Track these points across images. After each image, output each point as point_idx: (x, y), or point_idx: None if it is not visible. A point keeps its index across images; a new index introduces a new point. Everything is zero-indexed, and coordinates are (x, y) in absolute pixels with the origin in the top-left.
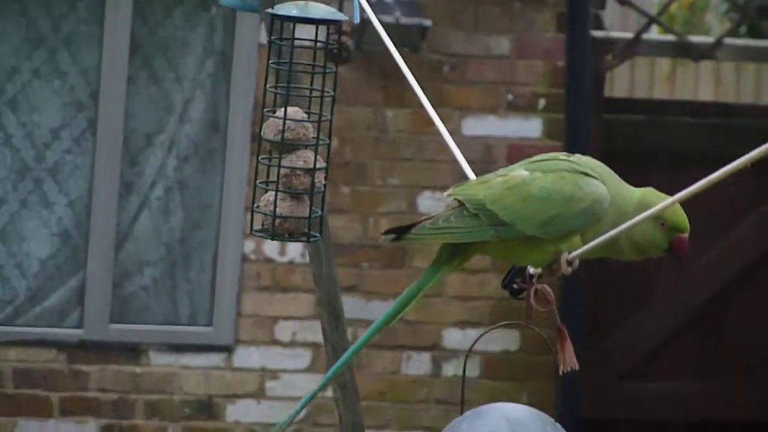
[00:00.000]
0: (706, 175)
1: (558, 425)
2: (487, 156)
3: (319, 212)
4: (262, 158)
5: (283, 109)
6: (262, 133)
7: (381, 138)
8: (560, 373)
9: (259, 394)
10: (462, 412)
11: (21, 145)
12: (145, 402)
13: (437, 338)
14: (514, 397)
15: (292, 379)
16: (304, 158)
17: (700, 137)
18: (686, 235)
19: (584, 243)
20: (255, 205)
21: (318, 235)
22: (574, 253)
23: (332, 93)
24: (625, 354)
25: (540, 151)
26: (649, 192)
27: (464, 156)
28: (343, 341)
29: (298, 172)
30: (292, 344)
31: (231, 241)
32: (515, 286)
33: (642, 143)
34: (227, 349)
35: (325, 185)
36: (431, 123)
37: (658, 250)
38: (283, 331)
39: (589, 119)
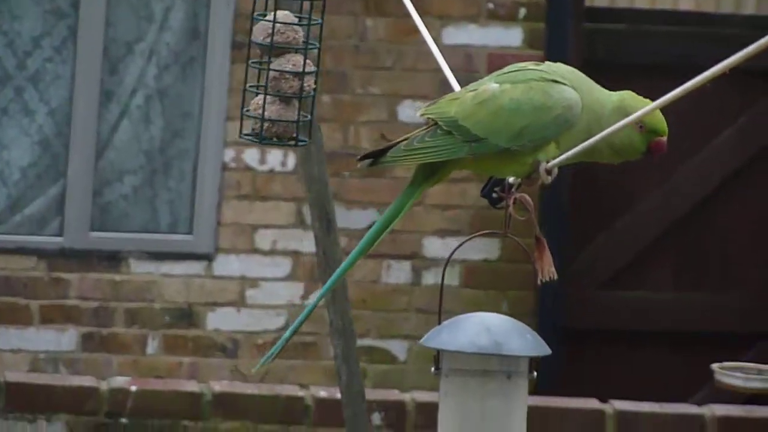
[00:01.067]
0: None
1: (537, 335)
2: (468, 65)
3: (308, 117)
4: (252, 62)
5: (272, 13)
6: (252, 37)
7: (361, 47)
8: (539, 282)
9: (239, 303)
10: (440, 321)
11: (2, 54)
12: (126, 310)
13: (417, 247)
14: (495, 306)
15: (272, 287)
16: (294, 62)
17: (681, 46)
18: (665, 138)
19: (560, 150)
20: (245, 108)
21: (306, 139)
22: (553, 162)
23: None
24: (605, 264)
25: (520, 60)
26: (627, 96)
27: (445, 64)
28: (334, 246)
29: (287, 76)
30: (272, 253)
31: (211, 150)
32: (494, 195)
33: (623, 52)
34: (207, 258)
35: (314, 89)
36: (411, 32)
37: (636, 152)
38: (263, 239)
39: (569, 28)
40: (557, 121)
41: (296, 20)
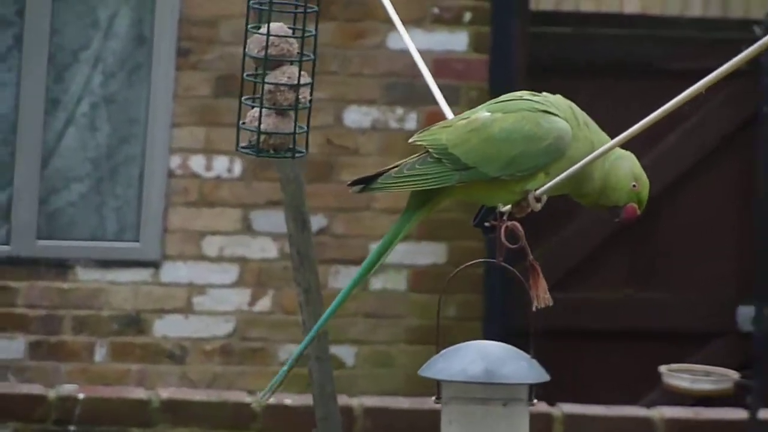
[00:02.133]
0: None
1: (534, 360)
2: (413, 70)
3: (305, 128)
4: (247, 75)
5: (266, 25)
6: (246, 50)
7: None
8: (534, 309)
9: (187, 309)
10: (437, 351)
11: None
12: (74, 318)
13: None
14: (442, 310)
15: (220, 293)
16: (289, 74)
17: (627, 49)
18: (639, 210)
19: (549, 180)
20: (241, 121)
21: (304, 151)
22: (541, 189)
23: (316, 8)
24: (554, 265)
25: (466, 65)
26: (628, 154)
27: (390, 70)
28: (309, 245)
29: (282, 89)
30: (220, 259)
31: (157, 157)
32: (486, 224)
33: (568, 55)
34: (154, 265)
35: (310, 101)
36: (357, 36)
37: (616, 201)
38: (211, 246)
39: (515, 32)
40: (547, 151)
41: (290, 32)
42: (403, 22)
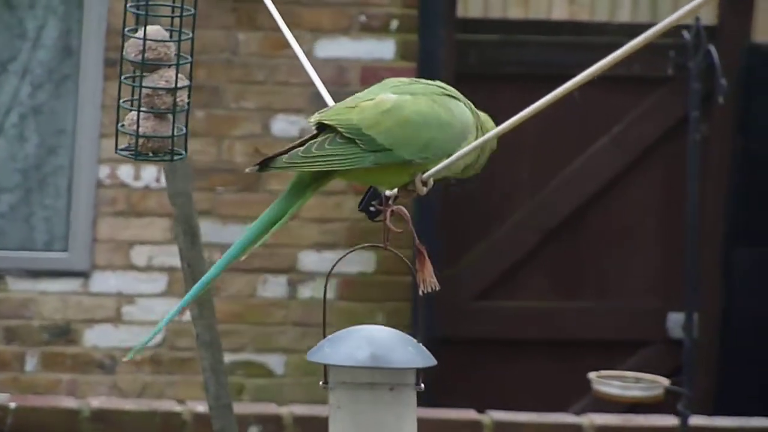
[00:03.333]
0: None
1: (420, 345)
2: (340, 78)
3: (184, 130)
4: (125, 78)
5: (143, 29)
6: (124, 53)
7: (234, 61)
8: (420, 293)
9: (116, 319)
10: (324, 335)
11: None
12: (4, 328)
13: (293, 261)
14: (371, 318)
15: (149, 303)
16: (167, 78)
17: (555, 55)
18: None
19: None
20: (120, 124)
21: (184, 153)
22: (428, 173)
23: (193, 11)
24: (480, 274)
25: (394, 73)
26: (487, 117)
27: (318, 78)
28: (199, 259)
29: (160, 92)
30: (149, 269)
31: (85, 167)
32: (372, 208)
33: (496, 63)
34: (83, 275)
35: (188, 103)
36: (283, 46)
37: (474, 172)
38: (139, 255)
39: (442, 39)
40: (457, 137)
41: (167, 35)
42: (331, 31)
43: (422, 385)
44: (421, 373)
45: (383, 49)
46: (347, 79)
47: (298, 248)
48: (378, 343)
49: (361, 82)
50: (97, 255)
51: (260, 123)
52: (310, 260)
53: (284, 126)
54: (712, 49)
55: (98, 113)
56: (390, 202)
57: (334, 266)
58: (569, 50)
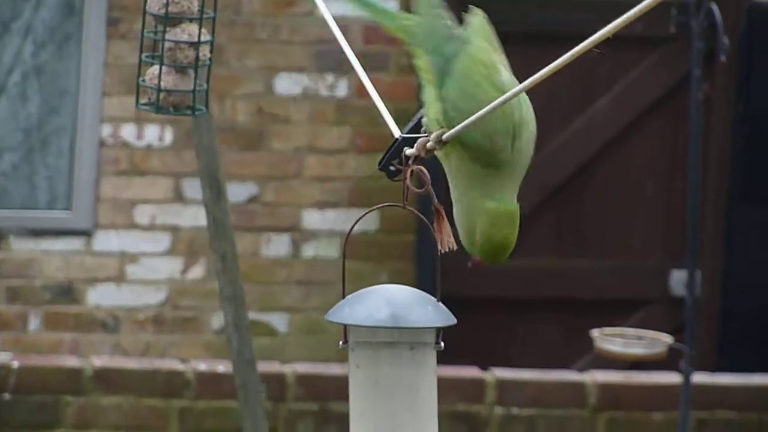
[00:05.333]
0: (564, 54)
1: (440, 304)
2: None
3: (205, 86)
4: (148, 32)
5: None
6: (147, 7)
7: (236, 20)
8: (438, 253)
9: (119, 278)
10: (344, 294)
11: None
12: (6, 288)
13: (296, 220)
14: (374, 278)
15: (152, 262)
16: (189, 32)
17: (560, 16)
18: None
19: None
20: (141, 78)
21: (203, 108)
22: (449, 133)
23: None
24: None
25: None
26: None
27: (320, 37)
28: (224, 213)
29: (182, 46)
30: (152, 228)
31: (88, 126)
32: (392, 168)
33: (500, 22)
34: (86, 234)
35: (210, 59)
36: (286, 4)
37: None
38: (142, 215)
39: None
40: (506, 124)
41: None
42: None
43: (442, 344)
44: (441, 332)
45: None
46: (350, 37)
47: (300, 207)
48: (397, 302)
49: (363, 41)
50: (99, 214)
51: (263, 82)
52: (313, 219)
53: (287, 85)
54: (714, 7)
55: (101, 72)
56: (410, 162)
57: (354, 225)
58: (573, 10)
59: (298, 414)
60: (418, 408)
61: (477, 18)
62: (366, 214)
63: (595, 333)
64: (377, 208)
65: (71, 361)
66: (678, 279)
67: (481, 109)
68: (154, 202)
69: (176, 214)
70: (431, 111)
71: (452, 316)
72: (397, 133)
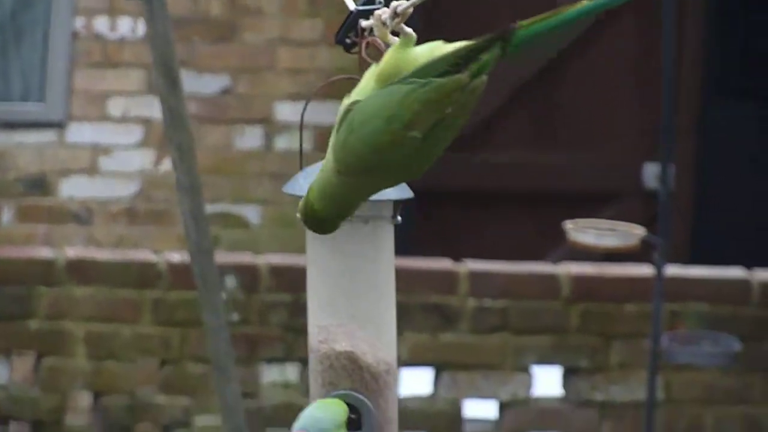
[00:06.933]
0: None
1: None
2: None
3: None
4: None
5: None
6: None
7: None
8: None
9: (92, 170)
10: (301, 167)
11: None
12: None
13: (269, 112)
14: None
15: (125, 155)
16: None
17: None
18: None
19: None
20: None
21: None
22: (406, 5)
23: None
24: None
25: None
26: None
27: None
28: (179, 103)
29: None
30: (124, 120)
31: (61, 18)
32: (348, 40)
33: None
34: (59, 126)
35: None
36: None
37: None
38: (115, 107)
39: None
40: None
41: None
42: None
43: (399, 218)
44: (399, 207)
45: None
46: None
47: (273, 98)
48: None
49: None
50: (73, 106)
51: None
52: (285, 111)
53: None
54: None
55: None
56: (365, 33)
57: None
58: None
59: (271, 305)
60: (376, 283)
61: None
62: (321, 87)
63: (569, 225)
64: (332, 81)
65: (44, 253)
66: (651, 172)
67: None
68: (127, 95)
69: (149, 107)
70: None
71: (409, 190)
72: (352, 5)
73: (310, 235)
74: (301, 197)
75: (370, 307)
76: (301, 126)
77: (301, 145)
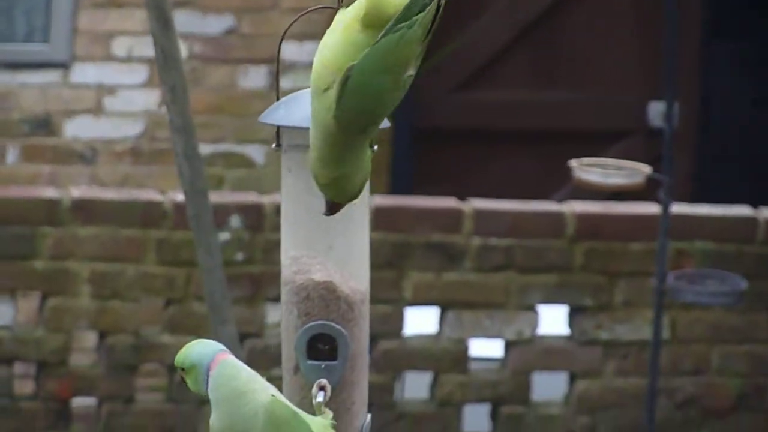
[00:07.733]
0: None
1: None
2: None
3: None
4: None
5: None
6: None
7: None
8: None
9: (97, 110)
10: (278, 97)
11: None
12: None
13: (274, 51)
14: None
15: (129, 94)
16: None
17: None
18: None
19: None
20: None
21: None
22: None
23: None
24: (459, 66)
25: None
26: None
27: None
28: (172, 44)
29: None
30: (129, 60)
31: None
32: None
33: None
34: (64, 66)
35: None
36: None
37: None
38: (120, 46)
39: None
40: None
41: None
42: None
43: (375, 147)
44: (375, 137)
45: None
46: None
47: (277, 38)
48: None
49: None
50: (77, 46)
51: None
52: (291, 50)
53: None
54: None
55: None
56: None
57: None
58: None
59: (276, 244)
60: (351, 215)
61: None
62: (300, 16)
63: (574, 163)
64: (310, 10)
65: (49, 193)
66: (656, 110)
67: None
68: (131, 34)
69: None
70: None
71: (387, 120)
72: None
73: (284, 169)
74: (278, 126)
75: (345, 239)
76: (278, 60)
77: (278, 74)
